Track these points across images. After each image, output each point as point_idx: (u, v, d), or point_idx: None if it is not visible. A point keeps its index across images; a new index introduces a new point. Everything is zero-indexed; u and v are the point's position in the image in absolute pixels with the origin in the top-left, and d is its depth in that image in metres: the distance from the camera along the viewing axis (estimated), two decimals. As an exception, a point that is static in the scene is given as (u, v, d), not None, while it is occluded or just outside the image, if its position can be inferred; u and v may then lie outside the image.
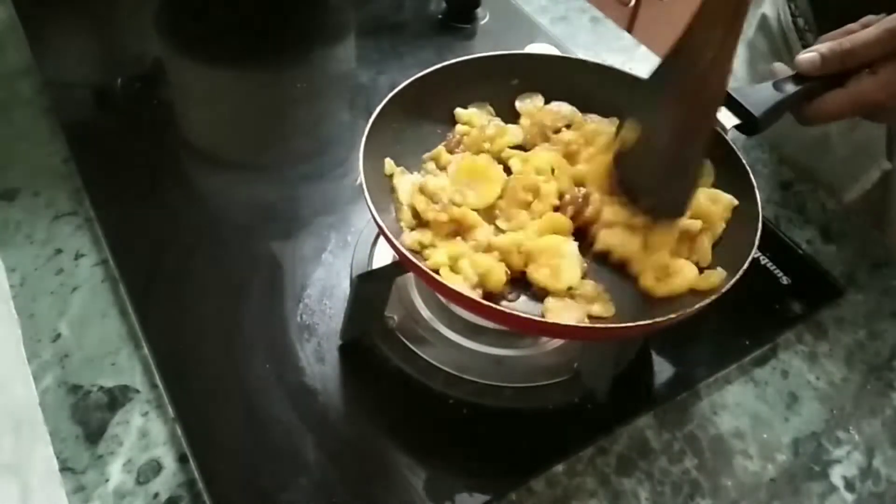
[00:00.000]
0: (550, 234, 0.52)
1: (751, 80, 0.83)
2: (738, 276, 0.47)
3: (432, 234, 0.52)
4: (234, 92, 0.80)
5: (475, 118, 0.61)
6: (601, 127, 0.60)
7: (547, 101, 0.63)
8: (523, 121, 0.62)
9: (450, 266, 0.49)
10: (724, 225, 0.54)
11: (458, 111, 0.61)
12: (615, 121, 0.61)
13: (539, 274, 0.50)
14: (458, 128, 0.60)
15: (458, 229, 0.53)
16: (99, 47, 0.85)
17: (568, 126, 0.61)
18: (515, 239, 0.51)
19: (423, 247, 0.51)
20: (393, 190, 0.55)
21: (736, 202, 0.55)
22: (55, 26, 0.82)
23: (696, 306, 0.46)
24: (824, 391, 0.58)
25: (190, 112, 0.79)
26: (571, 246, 0.51)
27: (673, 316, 0.46)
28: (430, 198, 0.54)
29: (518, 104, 0.63)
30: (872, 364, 0.60)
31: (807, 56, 0.55)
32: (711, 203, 0.54)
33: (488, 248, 0.51)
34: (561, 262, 0.50)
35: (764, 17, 0.81)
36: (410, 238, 0.51)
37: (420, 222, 0.53)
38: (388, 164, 0.56)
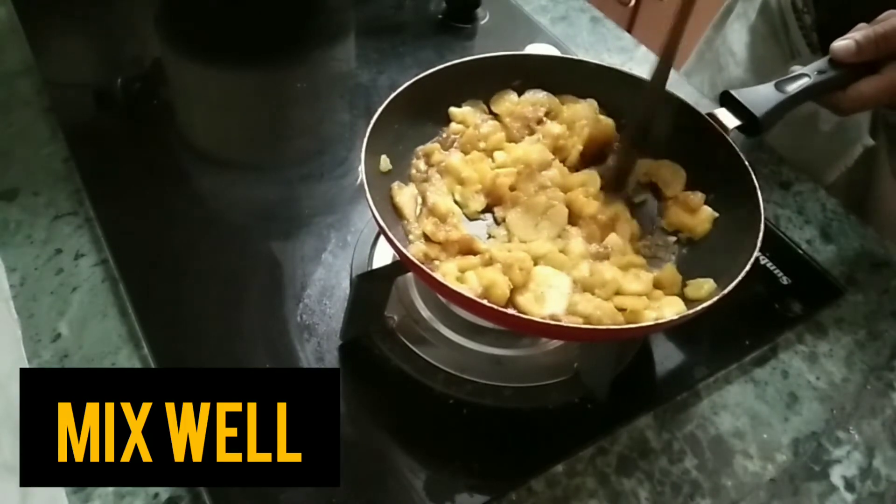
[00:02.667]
0: (548, 262, 0.52)
1: (752, 65, 0.84)
2: (740, 278, 0.47)
3: (439, 248, 0.53)
4: (234, 92, 0.80)
5: (469, 116, 0.61)
6: (580, 110, 0.60)
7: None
8: (504, 119, 0.61)
9: (456, 277, 0.50)
10: (705, 232, 0.56)
11: (452, 109, 0.61)
12: (592, 102, 0.61)
13: (523, 297, 0.50)
14: (453, 126, 0.60)
15: (465, 249, 0.53)
16: (99, 47, 0.85)
17: (547, 114, 0.61)
18: (518, 256, 0.51)
19: (430, 258, 0.52)
20: (394, 204, 0.55)
21: (716, 215, 0.56)
22: (55, 26, 0.82)
23: (696, 309, 0.46)
24: (824, 391, 0.58)
25: (190, 112, 0.79)
26: (564, 280, 0.51)
27: (673, 318, 0.46)
28: (440, 219, 0.54)
29: (493, 106, 0.63)
30: (872, 364, 0.60)
31: (842, 43, 0.55)
32: (690, 215, 0.56)
33: (490, 261, 0.51)
34: (547, 292, 0.50)
35: (765, 1, 0.81)
36: (417, 248, 0.52)
37: (428, 238, 0.53)
38: (384, 161, 0.56)
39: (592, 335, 0.49)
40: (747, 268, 0.47)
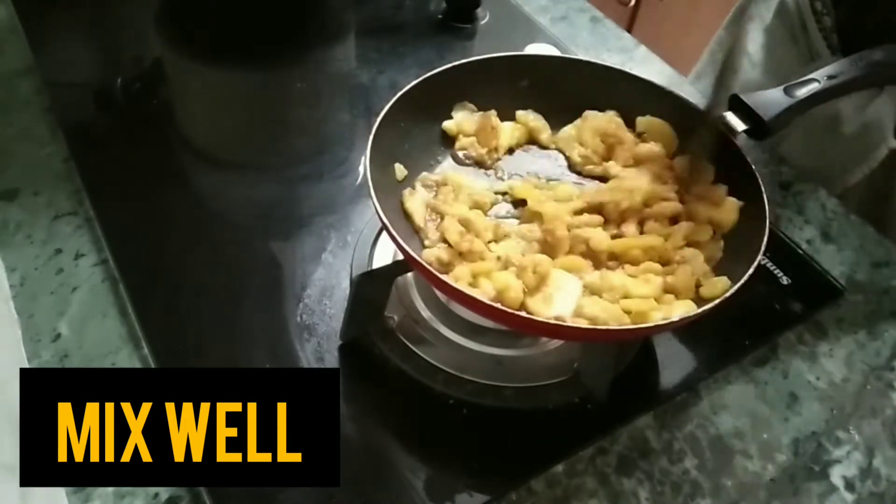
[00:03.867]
0: (560, 266, 0.52)
1: (769, 67, 0.83)
2: (742, 282, 0.47)
3: (454, 253, 0.52)
4: (234, 92, 0.80)
5: (466, 125, 0.60)
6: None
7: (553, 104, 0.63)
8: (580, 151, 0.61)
9: (469, 283, 0.50)
10: (733, 223, 0.55)
11: (447, 124, 0.60)
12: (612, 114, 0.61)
13: (531, 299, 0.50)
14: (462, 140, 0.60)
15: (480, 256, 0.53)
16: (99, 47, 0.85)
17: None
18: (534, 258, 0.51)
19: (442, 263, 0.51)
20: (405, 209, 0.55)
21: (741, 203, 0.55)
22: (55, 26, 0.82)
23: (698, 311, 0.46)
24: (824, 391, 0.58)
25: (190, 112, 0.79)
26: (575, 283, 0.51)
27: (674, 320, 0.46)
28: (464, 226, 0.53)
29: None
30: (872, 364, 0.60)
31: None
32: (716, 208, 0.55)
33: (506, 265, 0.51)
34: (556, 294, 0.50)
35: (782, 3, 0.80)
36: (431, 254, 0.52)
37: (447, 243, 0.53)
38: (399, 169, 0.56)
39: (595, 336, 0.49)
40: (750, 272, 0.47)
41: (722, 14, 0.93)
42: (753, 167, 0.54)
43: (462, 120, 0.61)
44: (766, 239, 0.50)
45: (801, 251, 0.66)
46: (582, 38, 0.91)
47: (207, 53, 0.83)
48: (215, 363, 0.54)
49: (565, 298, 0.50)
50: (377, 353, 0.55)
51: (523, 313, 0.47)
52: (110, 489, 0.48)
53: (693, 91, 0.83)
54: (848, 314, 0.63)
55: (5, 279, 0.58)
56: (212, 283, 0.60)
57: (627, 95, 0.61)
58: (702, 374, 0.57)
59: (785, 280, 0.63)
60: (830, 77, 0.56)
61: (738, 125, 0.56)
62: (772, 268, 0.64)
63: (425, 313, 0.58)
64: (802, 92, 0.55)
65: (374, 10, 0.91)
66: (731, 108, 0.57)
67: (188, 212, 0.65)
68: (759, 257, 0.48)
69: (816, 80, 0.56)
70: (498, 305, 0.46)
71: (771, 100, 0.55)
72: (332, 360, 0.55)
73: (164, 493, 0.48)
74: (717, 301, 0.46)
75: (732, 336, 0.59)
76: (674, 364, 0.58)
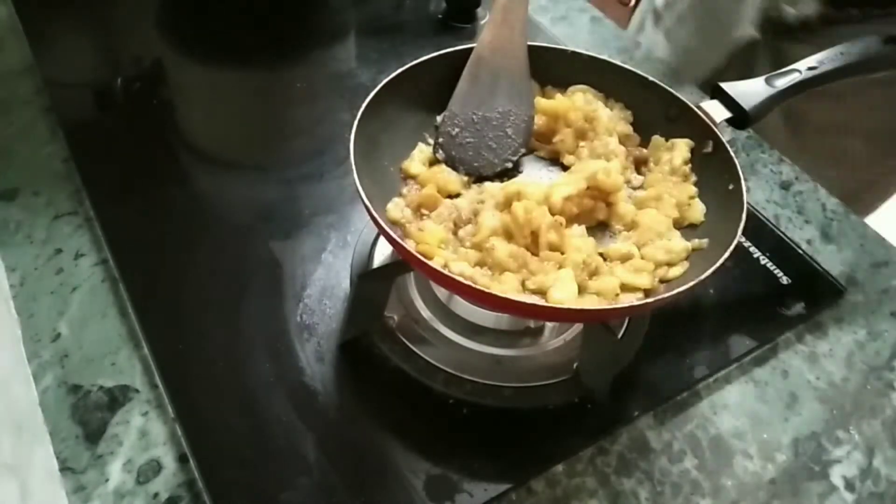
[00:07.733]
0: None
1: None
2: (720, 262, 0.46)
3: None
4: (234, 92, 0.80)
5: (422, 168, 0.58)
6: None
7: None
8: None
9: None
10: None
11: (405, 165, 0.58)
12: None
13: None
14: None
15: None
16: (99, 47, 0.85)
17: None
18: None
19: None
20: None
21: (692, 143, 0.56)
22: (55, 26, 0.82)
23: (679, 289, 0.45)
24: (824, 391, 0.58)
25: (190, 112, 0.79)
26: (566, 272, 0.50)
27: (662, 296, 0.46)
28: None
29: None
30: (872, 364, 0.60)
31: None
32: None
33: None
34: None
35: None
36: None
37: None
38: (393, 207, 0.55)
39: (583, 316, 0.48)
40: (727, 253, 0.47)
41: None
42: (733, 153, 0.54)
43: (418, 160, 0.58)
44: (742, 224, 0.49)
45: (801, 251, 0.66)
46: (582, 37, 0.91)
47: (207, 53, 0.83)
48: (215, 363, 0.54)
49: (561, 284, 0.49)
50: (377, 353, 0.55)
51: (526, 299, 0.46)
52: (110, 489, 0.48)
53: (693, 90, 0.83)
54: (848, 314, 0.63)
55: (5, 279, 0.58)
56: (212, 283, 0.60)
57: (624, 89, 0.60)
58: (702, 374, 0.57)
59: (785, 280, 0.63)
60: (811, 68, 0.58)
61: (720, 114, 0.56)
62: (772, 268, 0.64)
63: (425, 313, 0.58)
64: (783, 82, 0.57)
65: (374, 10, 0.91)
66: (713, 97, 0.57)
67: (188, 212, 0.65)
68: (738, 239, 0.48)
69: (797, 71, 0.57)
70: (496, 293, 0.46)
71: (753, 90, 0.57)
72: (331, 360, 0.55)
73: (164, 493, 0.48)
74: (695, 281, 0.45)
75: (732, 336, 0.59)
76: (674, 364, 0.58)
